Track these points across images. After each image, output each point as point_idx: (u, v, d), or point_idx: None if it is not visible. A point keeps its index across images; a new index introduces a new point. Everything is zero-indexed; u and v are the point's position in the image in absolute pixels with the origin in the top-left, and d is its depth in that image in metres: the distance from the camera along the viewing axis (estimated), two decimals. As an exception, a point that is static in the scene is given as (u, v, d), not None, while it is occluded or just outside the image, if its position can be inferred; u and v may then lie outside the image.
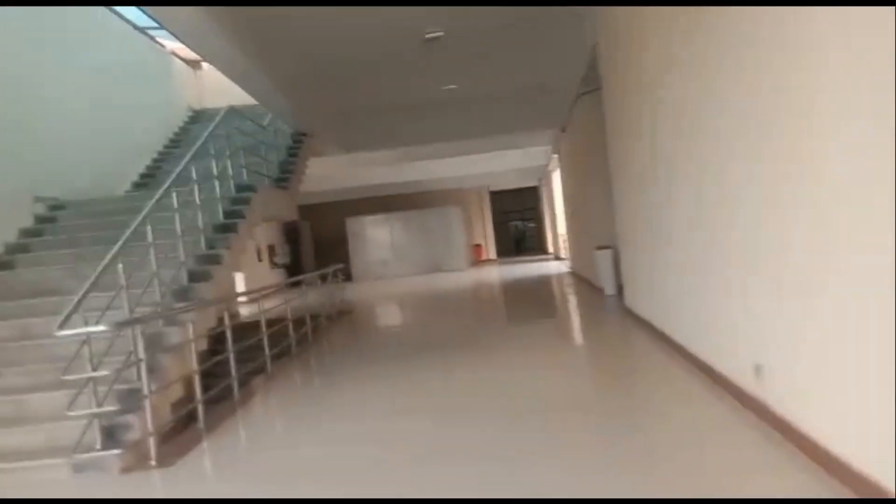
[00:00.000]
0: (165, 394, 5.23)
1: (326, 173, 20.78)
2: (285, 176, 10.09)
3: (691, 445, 3.78)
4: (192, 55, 14.55)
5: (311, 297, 10.94)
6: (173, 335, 5.65)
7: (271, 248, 21.72)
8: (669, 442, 3.90)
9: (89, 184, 9.29)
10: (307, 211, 25.74)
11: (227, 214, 7.51)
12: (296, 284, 12.16)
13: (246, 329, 9.00)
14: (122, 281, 5.21)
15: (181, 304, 6.00)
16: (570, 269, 16.76)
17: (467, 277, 20.43)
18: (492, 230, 27.87)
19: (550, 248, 25.54)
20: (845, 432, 2.90)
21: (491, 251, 27.64)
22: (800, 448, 3.27)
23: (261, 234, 20.50)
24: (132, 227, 5.67)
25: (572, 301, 11.55)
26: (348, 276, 23.77)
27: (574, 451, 3.93)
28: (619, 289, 10.38)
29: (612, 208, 10.24)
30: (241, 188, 8.03)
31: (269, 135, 10.59)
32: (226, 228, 7.30)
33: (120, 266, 5.23)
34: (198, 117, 13.06)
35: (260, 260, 20.20)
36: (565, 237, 20.98)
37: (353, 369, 7.53)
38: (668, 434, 4.03)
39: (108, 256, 5.28)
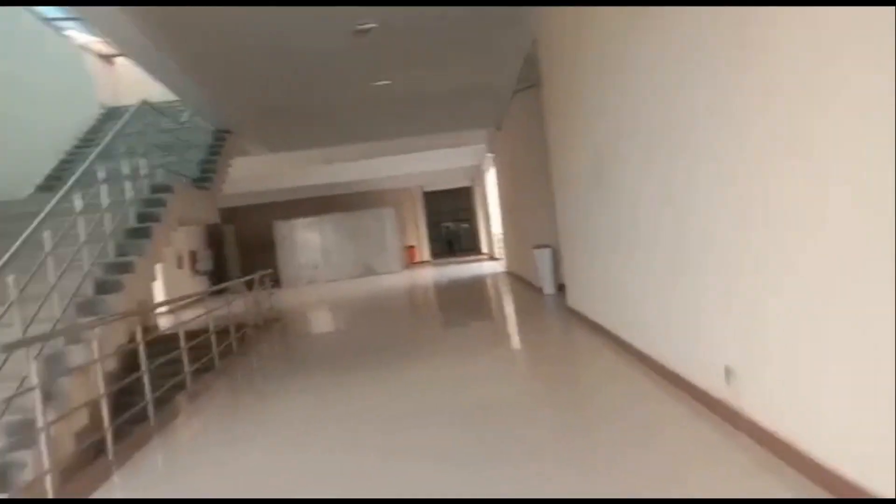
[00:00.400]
0: (67, 423, 4.58)
1: (252, 174, 19.90)
2: (206, 176, 9.40)
3: (642, 442, 3.65)
4: (105, 49, 13.59)
5: (237, 305, 10.28)
6: (76, 355, 4.98)
7: (193, 255, 20.65)
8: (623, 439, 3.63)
9: (-15, 186, 8.38)
10: (231, 214, 24.69)
11: (141, 218, 6.82)
12: (220, 292, 11.48)
13: (164, 343, 8.36)
14: (13, 295, 4.53)
15: (86, 319, 5.32)
16: (506, 269, 16.56)
17: (402, 280, 19.97)
18: (425, 231, 27.49)
19: (485, 249, 25.38)
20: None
21: (425, 253, 27.26)
22: (774, 452, 3.03)
23: (181, 239, 19.44)
24: (25, 234, 4.97)
25: (512, 301, 11.28)
26: (277, 282, 22.97)
27: (526, 453, 3.74)
28: (559, 287, 10.20)
29: (550, 206, 10.05)
30: (156, 189, 7.34)
31: (187, 132, 9.88)
32: (139, 233, 6.62)
33: (11, 278, 4.55)
34: (111, 114, 12.11)
35: (180, 267, 19.15)
36: (500, 237, 20.89)
37: (283, 382, 7.02)
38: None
39: (-4, 267, 4.59)
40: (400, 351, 7.72)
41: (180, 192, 7.79)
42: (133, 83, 11.29)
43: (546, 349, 7.13)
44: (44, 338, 4.49)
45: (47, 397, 4.16)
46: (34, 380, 4.03)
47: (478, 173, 23.13)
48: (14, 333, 4.44)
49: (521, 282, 12.90)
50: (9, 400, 4.14)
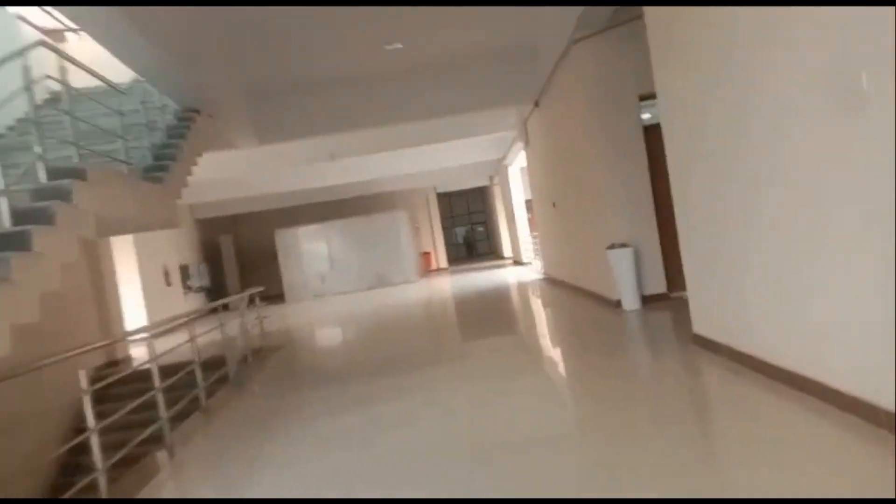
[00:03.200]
0: None
1: (247, 176, 17.29)
2: (160, 165, 6.68)
3: None
4: (51, 23, 10.97)
5: (232, 328, 7.71)
6: None
7: (184, 269, 17.96)
8: None
9: None
10: (229, 223, 22.07)
11: (18, 218, 4.09)
12: (212, 312, 8.86)
13: (135, 381, 7.15)
14: None
15: None
16: (544, 275, 13.76)
17: (420, 291, 17.21)
18: (441, 236, 24.74)
19: (507, 252, 22.61)
20: None
21: (441, 259, 24.51)
22: None
23: (166, 251, 16.76)
24: None
25: (578, 322, 8.28)
26: (280, 297, 20.29)
27: None
28: (643, 301, 7.44)
29: (637, 191, 7.38)
30: (55, 174, 4.61)
31: (142, 114, 7.20)
32: (10, 241, 3.89)
33: None
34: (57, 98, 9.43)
35: (169, 284, 16.45)
36: (531, 238, 18.13)
37: (289, 431, 4.35)
38: None
39: None
40: (433, 404, 4.96)
41: (102, 183, 5.05)
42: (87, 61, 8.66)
43: (723, 438, 3.66)
44: None
45: None
46: None
47: (499, 169, 20.38)
48: None
49: (575, 292, 10.10)
50: None
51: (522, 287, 13.66)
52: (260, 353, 9.33)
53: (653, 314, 7.37)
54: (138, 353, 12.07)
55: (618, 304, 7.68)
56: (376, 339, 9.96)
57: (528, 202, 20.04)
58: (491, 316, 10.48)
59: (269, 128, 10.55)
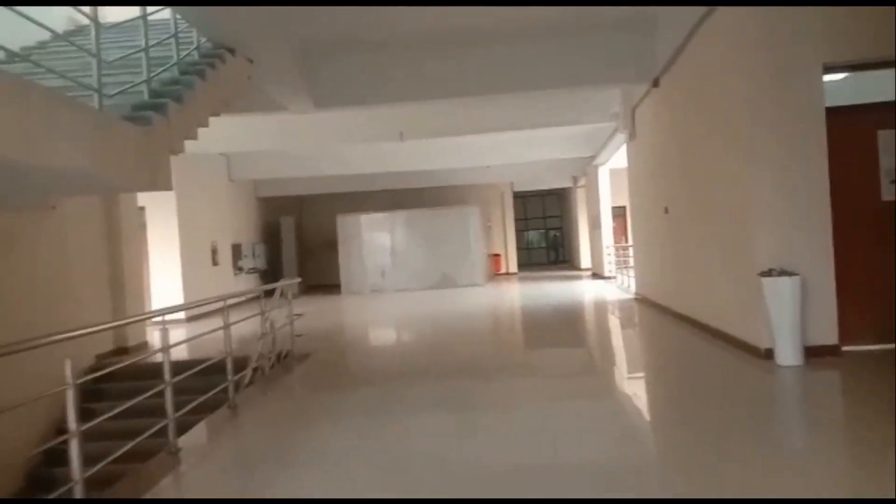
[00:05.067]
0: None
1: (308, 151, 15.64)
2: (155, 102, 4.83)
3: None
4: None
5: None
6: None
7: (236, 249, 16.46)
8: None
9: None
10: (292, 205, 20.56)
11: None
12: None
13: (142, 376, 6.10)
14: None
15: None
16: (636, 296, 11.39)
17: (489, 297, 15.10)
18: (514, 237, 22.52)
19: (585, 263, 20.21)
20: None
21: (511, 263, 22.30)
22: None
23: (218, 227, 15.27)
24: None
25: (704, 377, 5.73)
26: (336, 288, 18.61)
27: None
28: (807, 353, 5.11)
29: (800, 202, 5.08)
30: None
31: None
32: None
33: None
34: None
35: (216, 264, 14.94)
36: (614, 250, 15.71)
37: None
38: None
39: None
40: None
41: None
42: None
43: None
44: None
45: None
46: None
47: (586, 169, 18.01)
48: None
49: (690, 325, 7.76)
50: None
51: (611, 308, 11.32)
52: (284, 359, 7.47)
53: (824, 376, 5.03)
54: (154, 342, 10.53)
55: (767, 354, 5.35)
56: (440, 349, 7.91)
57: (614, 210, 17.69)
58: (575, 351, 8.23)
59: (327, 88, 8.69)
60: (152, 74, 5.02)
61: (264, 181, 18.34)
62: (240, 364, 6.53)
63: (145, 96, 4.89)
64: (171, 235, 12.82)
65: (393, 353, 8.88)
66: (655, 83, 8.62)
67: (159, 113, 4.68)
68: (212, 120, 11.37)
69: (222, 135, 12.52)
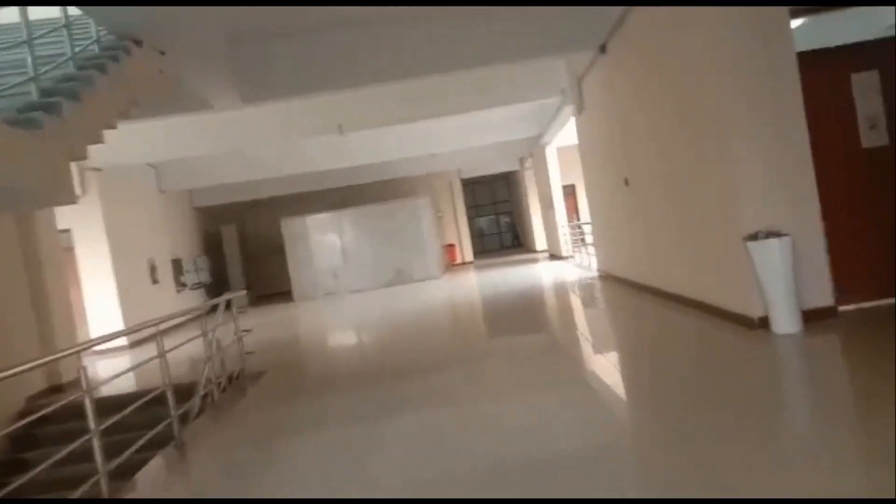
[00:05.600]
0: None
1: (242, 153, 14.72)
2: (47, 102, 4.04)
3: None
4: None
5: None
6: None
7: (177, 264, 15.43)
8: None
9: None
10: (232, 213, 19.53)
11: None
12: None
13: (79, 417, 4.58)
14: None
15: None
16: (600, 273, 11.01)
17: (447, 289, 14.54)
18: (466, 226, 22.01)
19: (541, 245, 19.86)
20: None
21: (467, 252, 21.80)
22: None
23: (154, 242, 14.24)
24: None
25: (695, 352, 5.36)
26: (288, 295, 17.73)
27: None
28: (804, 318, 4.72)
29: (779, 158, 4.65)
30: None
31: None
32: None
33: None
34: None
35: (156, 281, 13.92)
36: (569, 229, 15.32)
37: None
38: None
39: None
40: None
41: None
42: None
43: None
44: None
45: None
46: None
47: (532, 150, 17.62)
48: None
49: (665, 299, 7.37)
50: None
51: (575, 288, 10.91)
52: (236, 381, 6.74)
53: (825, 342, 4.65)
54: (105, 370, 9.63)
55: (761, 323, 4.93)
56: (403, 357, 7.27)
57: (564, 188, 17.33)
58: (549, 337, 7.75)
59: (254, 80, 7.90)
60: (40, 71, 4.22)
61: (199, 190, 17.28)
62: (186, 392, 5.84)
63: (34, 96, 4.10)
64: (101, 256, 11.80)
65: (352, 360, 8.21)
66: (602, 49, 8.16)
67: (51, 114, 3.91)
68: (134, 128, 10.44)
69: (147, 144, 11.59)
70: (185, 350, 5.94)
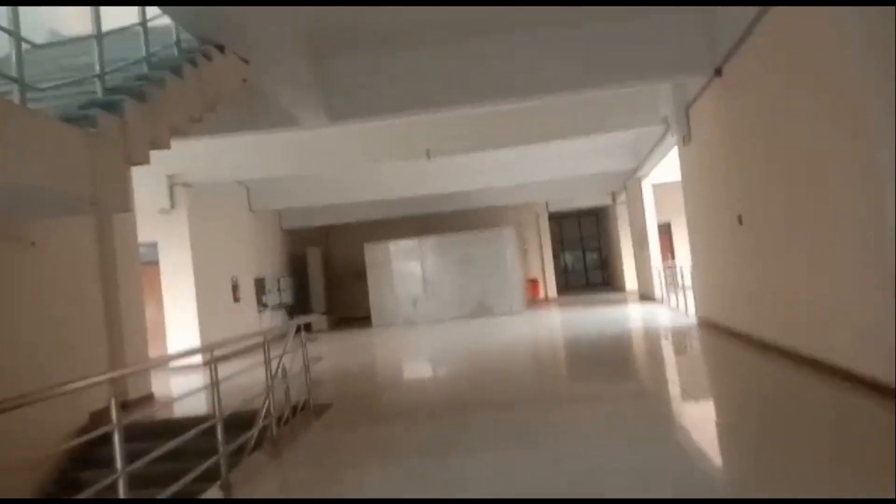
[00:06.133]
0: None
1: (329, 174, 14.65)
2: (111, 100, 3.73)
3: None
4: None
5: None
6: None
7: (259, 283, 15.43)
8: None
9: None
10: (319, 236, 19.58)
11: None
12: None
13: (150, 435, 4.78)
14: None
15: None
16: (699, 320, 9.94)
17: (531, 326, 13.75)
18: (551, 260, 21.15)
19: (630, 285, 18.72)
20: None
21: (550, 288, 20.89)
22: None
23: (239, 260, 14.27)
24: None
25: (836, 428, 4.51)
26: (367, 320, 17.43)
27: None
28: None
29: None
30: None
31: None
32: None
33: None
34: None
35: (237, 300, 13.90)
36: (662, 269, 14.18)
37: None
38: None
39: None
40: None
41: None
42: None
43: None
44: None
45: None
46: None
47: (626, 184, 16.66)
48: None
49: (778, 355, 6.36)
50: None
51: (674, 337, 9.87)
52: (302, 412, 6.26)
53: None
54: (178, 386, 9.50)
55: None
56: (487, 396, 6.59)
57: (659, 227, 16.22)
58: (646, 401, 6.86)
59: (342, 97, 7.59)
60: (109, 69, 3.94)
61: (289, 211, 17.38)
62: (246, 422, 5.40)
63: (98, 94, 3.80)
64: (184, 271, 11.82)
65: (426, 395, 7.58)
66: (718, 72, 7.33)
67: (111, 112, 3.58)
68: (223, 144, 10.39)
69: (235, 161, 11.61)
70: (258, 375, 5.51)
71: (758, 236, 6.81)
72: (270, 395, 5.57)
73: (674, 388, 6.41)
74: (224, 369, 4.72)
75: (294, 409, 6.22)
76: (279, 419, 5.70)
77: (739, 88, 6.90)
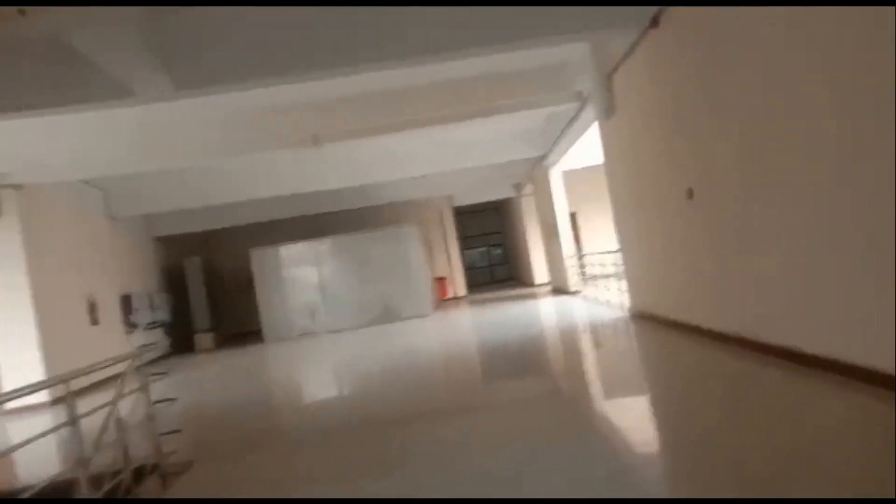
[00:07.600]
0: None
1: (207, 178, 12.60)
2: None
3: None
4: None
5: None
6: None
7: (125, 301, 13.06)
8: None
9: None
10: (198, 243, 17.20)
11: None
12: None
13: None
14: None
15: None
16: (633, 312, 8.84)
17: (443, 329, 12.31)
18: (458, 257, 19.85)
19: (541, 278, 17.75)
20: None
21: (459, 286, 19.59)
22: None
23: (97, 275, 11.87)
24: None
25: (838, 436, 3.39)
26: (259, 335, 15.35)
27: None
28: None
29: None
30: None
31: None
32: None
33: None
34: None
35: (94, 322, 11.52)
36: (575, 260, 13.17)
37: None
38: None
39: None
40: None
41: None
42: None
43: None
44: None
45: None
46: None
47: (532, 175, 15.60)
48: None
49: (739, 348, 5.22)
50: None
51: (608, 333, 8.71)
52: (150, 476, 4.45)
53: None
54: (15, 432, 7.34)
55: None
56: (378, 441, 4.99)
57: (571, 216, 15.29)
58: (597, 407, 5.52)
59: (189, 58, 5.77)
60: None
61: (160, 217, 14.99)
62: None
63: None
64: (19, 293, 9.45)
65: (328, 433, 5.88)
66: (654, 22, 6.14)
67: None
68: (61, 136, 8.19)
69: (77, 155, 9.37)
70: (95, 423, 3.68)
71: (714, 212, 5.66)
72: (97, 456, 3.76)
73: (637, 405, 5.12)
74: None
75: (136, 474, 4.41)
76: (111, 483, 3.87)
77: (682, 39, 5.73)
